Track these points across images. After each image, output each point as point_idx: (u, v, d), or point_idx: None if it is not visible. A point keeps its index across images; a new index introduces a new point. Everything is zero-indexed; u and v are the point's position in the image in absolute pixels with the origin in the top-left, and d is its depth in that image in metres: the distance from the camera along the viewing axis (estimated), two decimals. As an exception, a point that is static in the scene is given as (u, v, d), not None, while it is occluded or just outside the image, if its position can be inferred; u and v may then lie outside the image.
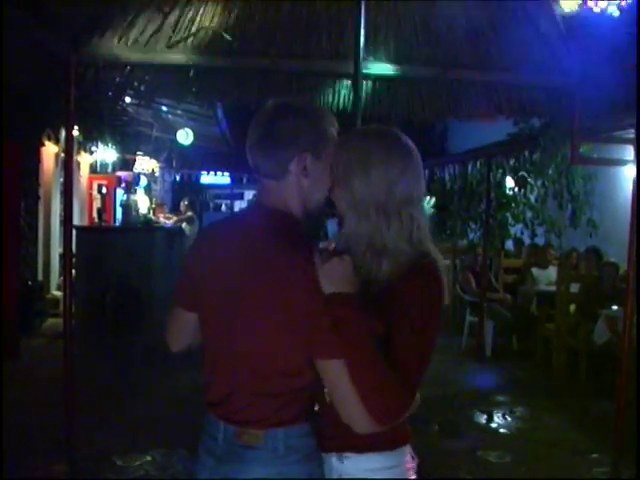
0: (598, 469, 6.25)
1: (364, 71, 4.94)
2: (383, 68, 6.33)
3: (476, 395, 8.63)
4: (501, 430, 7.36)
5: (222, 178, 27.14)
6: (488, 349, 10.69)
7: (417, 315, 2.04)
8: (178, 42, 6.07)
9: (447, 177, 14.56)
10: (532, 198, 11.79)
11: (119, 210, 14.26)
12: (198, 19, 6.14)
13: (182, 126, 15.25)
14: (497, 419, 7.69)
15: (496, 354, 10.67)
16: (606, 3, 5.11)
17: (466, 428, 7.36)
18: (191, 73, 6.20)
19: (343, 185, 2.13)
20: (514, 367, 10.08)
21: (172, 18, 6.07)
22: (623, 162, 7.29)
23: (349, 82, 6.15)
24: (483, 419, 7.69)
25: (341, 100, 6.33)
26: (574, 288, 9.52)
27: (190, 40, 6.11)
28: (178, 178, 25.11)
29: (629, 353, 6.32)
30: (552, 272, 10.68)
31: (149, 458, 6.11)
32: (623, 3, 5.05)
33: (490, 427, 7.49)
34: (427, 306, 2.06)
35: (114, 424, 6.93)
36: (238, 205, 34.77)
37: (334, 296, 1.99)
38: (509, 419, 7.68)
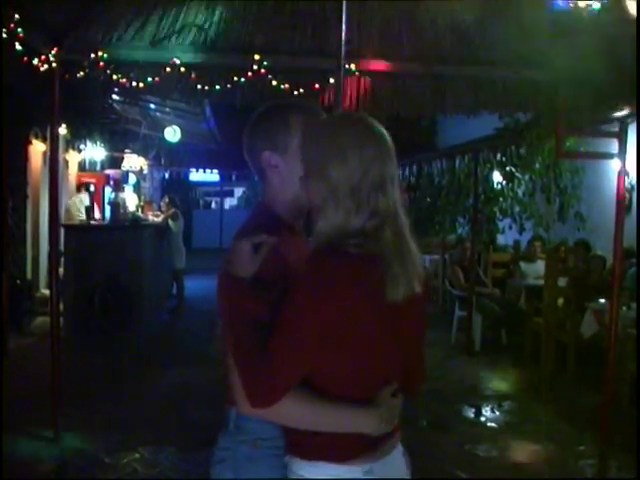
0: (585, 461, 6.27)
1: (347, 67, 4.96)
2: (367, 64, 6.35)
3: (465, 389, 8.66)
4: (489, 424, 7.38)
5: (211, 175, 27.20)
6: (477, 343, 10.71)
7: (286, 304, 1.99)
8: (162, 40, 6.07)
9: (435, 172, 14.59)
10: (520, 192, 11.81)
11: (107, 208, 14.23)
12: (182, 16, 6.15)
13: (170, 123, 15.27)
14: (485, 413, 7.71)
15: (485, 348, 10.69)
16: (588, -2, 5.11)
17: (454, 422, 7.37)
18: (176, 70, 6.21)
19: (318, 175, 2.07)
20: (503, 361, 10.10)
21: (156, 16, 6.07)
22: (609, 156, 7.30)
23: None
24: (471, 413, 7.72)
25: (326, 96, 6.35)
26: (562, 282, 9.55)
27: (174, 37, 6.12)
28: (167, 176, 25.12)
29: (615, 345, 6.35)
30: (540, 266, 10.69)
31: (137, 455, 6.10)
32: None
33: (478, 421, 7.52)
34: (299, 289, 1.99)
35: (102, 422, 6.93)
36: (228, 202, 34.80)
37: (224, 275, 2.08)
38: (497, 413, 7.71)
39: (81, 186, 14.71)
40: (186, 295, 14.18)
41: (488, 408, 7.85)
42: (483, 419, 7.55)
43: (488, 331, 11.02)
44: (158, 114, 14.41)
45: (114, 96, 10.64)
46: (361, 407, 2.09)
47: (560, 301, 9.47)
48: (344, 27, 4.10)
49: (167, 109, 13.44)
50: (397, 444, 2.31)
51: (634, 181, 10.05)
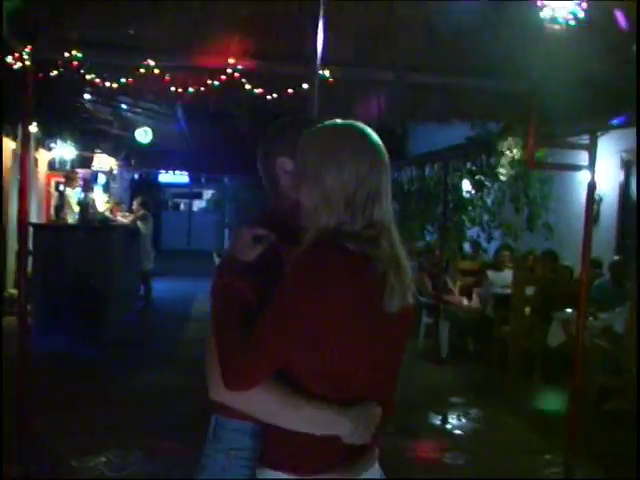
0: (551, 469, 6.33)
1: (322, 73, 4.97)
2: (341, 71, 6.36)
3: (431, 396, 8.69)
4: (456, 431, 7.42)
5: (180, 177, 27.11)
6: (444, 351, 10.74)
7: (278, 289, 1.98)
8: (135, 41, 6.04)
9: (405, 179, 14.63)
10: (489, 201, 11.87)
11: (76, 208, 14.12)
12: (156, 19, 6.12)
13: (141, 124, 15.18)
14: (452, 420, 7.75)
15: (452, 356, 10.73)
16: (564, 10, 5.14)
17: (421, 429, 7.40)
18: (149, 72, 6.19)
19: (313, 180, 2.07)
20: (470, 369, 10.17)
21: (129, 17, 6.03)
22: (578, 167, 7.37)
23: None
24: (438, 420, 7.75)
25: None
26: (529, 291, 9.62)
27: (148, 39, 6.10)
28: (137, 177, 24.98)
29: (582, 355, 6.40)
30: (508, 275, 10.76)
31: (104, 459, 6.06)
32: (580, 14, 5.07)
33: (445, 428, 7.55)
34: (294, 275, 1.97)
35: (70, 425, 6.88)
36: (197, 205, 34.72)
37: (223, 260, 2.15)
38: (464, 420, 7.74)
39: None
40: (153, 297, 14.13)
41: (455, 415, 7.89)
42: (450, 426, 7.58)
43: (455, 339, 11.06)
44: (129, 114, 14.33)
45: (86, 95, 10.54)
46: (337, 407, 2.04)
47: (527, 310, 9.55)
48: (320, 33, 4.10)
49: (138, 110, 13.36)
50: (374, 463, 2.30)
51: (602, 192, 10.19)
